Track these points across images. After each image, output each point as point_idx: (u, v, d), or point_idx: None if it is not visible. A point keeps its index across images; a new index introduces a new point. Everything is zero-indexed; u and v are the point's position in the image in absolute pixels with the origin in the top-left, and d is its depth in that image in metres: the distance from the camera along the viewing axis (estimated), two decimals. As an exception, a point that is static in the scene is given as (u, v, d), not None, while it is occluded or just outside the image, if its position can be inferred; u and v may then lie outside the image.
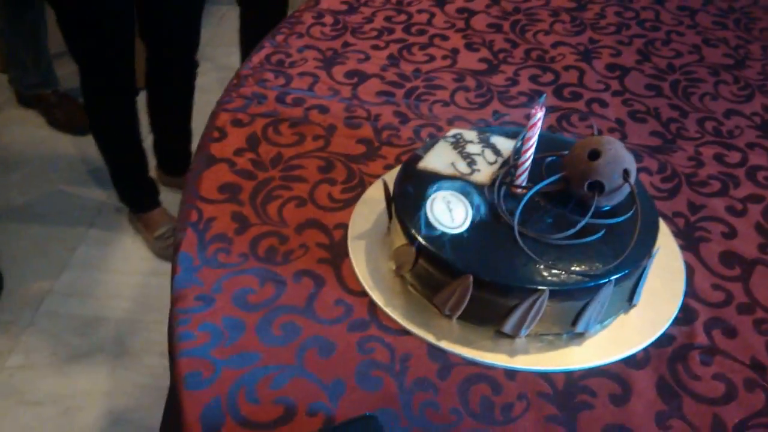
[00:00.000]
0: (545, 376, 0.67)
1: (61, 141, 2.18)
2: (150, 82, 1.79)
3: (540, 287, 0.66)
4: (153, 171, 1.92)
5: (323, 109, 0.99)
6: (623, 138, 0.97)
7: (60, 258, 1.82)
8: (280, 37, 1.15)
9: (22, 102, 2.26)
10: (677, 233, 0.83)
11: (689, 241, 0.82)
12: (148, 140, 1.89)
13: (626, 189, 0.71)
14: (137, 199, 1.88)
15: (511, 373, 0.67)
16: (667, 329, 0.72)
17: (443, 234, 0.70)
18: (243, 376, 0.66)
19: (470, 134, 0.82)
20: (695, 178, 0.91)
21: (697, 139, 0.98)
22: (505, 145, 0.80)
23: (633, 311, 0.73)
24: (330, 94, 1.02)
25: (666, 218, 0.85)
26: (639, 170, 0.92)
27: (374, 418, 0.60)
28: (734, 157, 0.95)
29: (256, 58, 1.09)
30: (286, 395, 0.64)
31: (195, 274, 0.75)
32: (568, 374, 0.67)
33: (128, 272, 1.78)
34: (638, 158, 0.93)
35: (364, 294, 0.74)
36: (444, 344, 0.69)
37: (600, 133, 0.97)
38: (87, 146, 2.01)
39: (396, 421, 0.63)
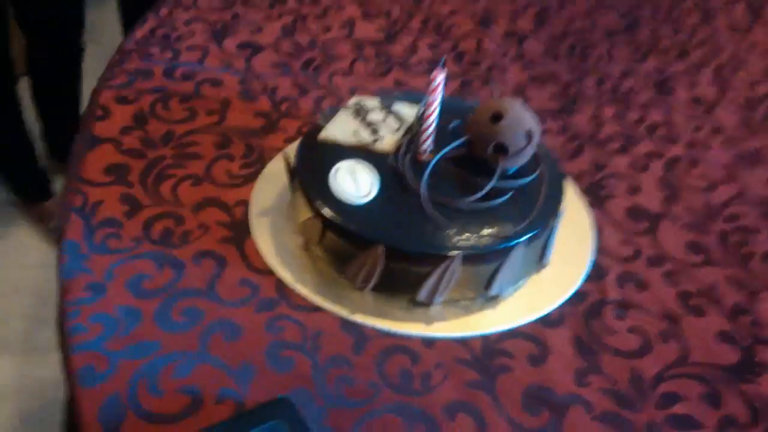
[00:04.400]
0: (463, 342, 0.65)
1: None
2: (32, 68, 1.67)
3: (451, 253, 0.64)
4: (44, 160, 1.80)
5: (216, 83, 0.94)
6: (525, 102, 0.97)
7: None
8: (164, 11, 1.08)
9: None
10: (583, 192, 0.83)
11: (596, 198, 0.82)
12: (36, 129, 1.77)
13: (531, 150, 0.70)
14: (29, 190, 1.77)
15: (428, 342, 0.65)
16: (580, 286, 0.72)
17: (350, 205, 0.67)
18: (142, 367, 0.61)
19: (372, 102, 0.79)
20: (597, 137, 0.92)
21: (596, 100, 0.98)
22: (408, 111, 0.78)
23: (545, 271, 0.73)
24: (222, 66, 0.97)
25: (572, 178, 0.84)
26: (542, 132, 0.91)
27: (287, 401, 0.56)
28: (633, 115, 0.96)
29: (140, 32, 1.02)
30: (190, 384, 0.60)
31: (83, 263, 0.69)
32: (485, 338, 0.66)
33: (28, 266, 1.67)
34: (540, 120, 0.93)
35: (270, 272, 0.70)
36: (357, 317, 0.66)
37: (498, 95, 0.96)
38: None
39: (311, 401, 0.59)
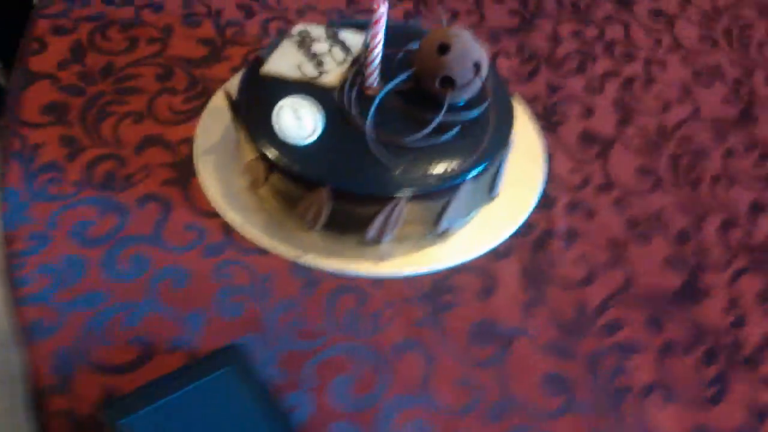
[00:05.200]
0: (411, 280, 0.66)
1: None
2: None
3: (398, 193, 0.63)
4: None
5: (157, 8, 0.89)
6: (481, 19, 0.94)
7: None
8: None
9: None
10: (536, 117, 0.82)
11: (548, 123, 0.81)
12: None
13: (479, 82, 0.68)
14: None
15: (378, 281, 0.66)
16: (528, 217, 0.72)
17: (293, 145, 0.65)
18: (91, 319, 0.61)
19: (317, 30, 0.76)
20: (553, 57, 0.89)
21: (554, 17, 0.95)
22: (355, 40, 0.75)
23: (495, 202, 0.73)
24: (163, -12, 0.92)
25: (525, 102, 0.83)
26: (497, 54, 0.89)
27: (238, 347, 0.57)
28: (591, 32, 0.94)
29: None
30: (140, 334, 0.60)
31: (25, 212, 0.68)
32: (434, 275, 0.67)
33: None
34: (496, 40, 0.91)
35: (217, 215, 0.69)
36: (306, 259, 0.66)
37: (451, 21, 0.93)
38: None
39: (262, 346, 0.60)
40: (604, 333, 0.64)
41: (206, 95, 0.79)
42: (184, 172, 0.72)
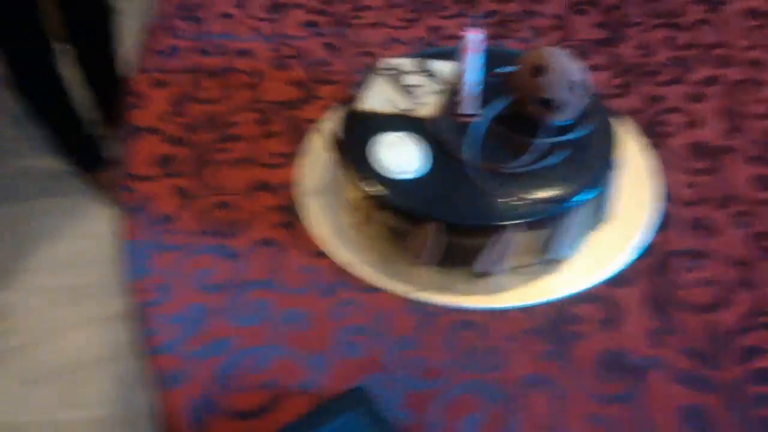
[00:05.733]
0: (529, 310, 0.65)
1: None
2: (70, 34, 1.67)
3: (504, 223, 0.63)
4: (97, 128, 1.82)
5: (248, 54, 0.92)
6: (566, 35, 0.92)
7: (24, 233, 1.73)
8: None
9: None
10: (639, 132, 0.80)
11: (653, 137, 0.79)
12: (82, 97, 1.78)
13: (578, 102, 0.67)
14: (84, 159, 1.80)
15: (494, 314, 0.65)
16: (645, 239, 0.70)
17: (395, 180, 0.66)
18: (219, 366, 0.62)
19: (407, 63, 0.76)
20: (647, 67, 0.87)
21: (642, 24, 0.93)
22: (446, 69, 0.75)
23: (607, 225, 0.71)
24: (251, 34, 0.94)
25: (624, 117, 0.81)
26: (588, 69, 0.87)
27: (363, 390, 0.57)
28: (684, 37, 0.91)
29: (165, 4, 1.00)
30: (268, 378, 0.61)
31: (146, 264, 0.70)
32: (554, 305, 0.65)
33: (102, 235, 1.68)
34: (584, 54, 0.89)
35: (327, 255, 0.70)
36: (420, 295, 0.66)
37: (535, 39, 0.92)
38: (20, 121, 1.89)
39: (385, 386, 0.60)
40: (741, 359, 0.61)
41: (303, 136, 0.81)
42: (291, 215, 0.73)
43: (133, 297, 0.67)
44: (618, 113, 0.81)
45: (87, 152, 1.80)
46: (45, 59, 1.58)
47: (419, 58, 0.77)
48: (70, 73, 1.71)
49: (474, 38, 0.68)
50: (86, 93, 1.80)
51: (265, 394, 0.60)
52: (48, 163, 1.89)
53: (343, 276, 0.68)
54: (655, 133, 0.79)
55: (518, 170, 0.66)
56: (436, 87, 0.74)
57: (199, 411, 0.59)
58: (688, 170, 0.76)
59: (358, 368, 0.61)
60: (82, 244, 1.72)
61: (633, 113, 0.81)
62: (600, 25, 0.94)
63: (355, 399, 0.56)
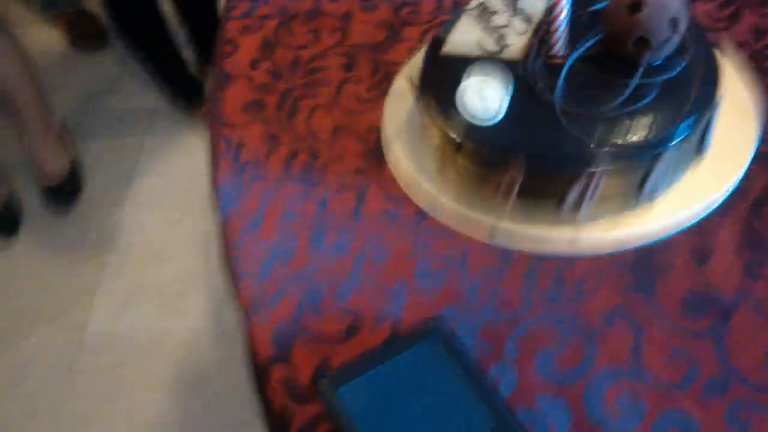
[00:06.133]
0: (616, 242, 0.63)
1: (95, 57, 2.15)
2: None
3: (594, 170, 0.61)
4: (193, 66, 1.89)
5: (335, -4, 0.91)
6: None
7: (128, 167, 1.85)
8: None
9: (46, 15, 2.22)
10: (743, 66, 0.74)
11: (758, 71, 0.73)
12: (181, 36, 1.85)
13: (677, 39, 0.63)
14: (184, 97, 1.87)
15: (577, 251, 0.63)
16: (743, 175, 0.65)
17: (480, 126, 0.64)
18: (304, 293, 0.65)
19: (494, 1, 0.74)
20: (757, -5, 0.80)
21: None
22: (536, 6, 0.72)
23: (705, 162, 0.67)
24: (339, -25, 0.94)
25: (728, 51, 0.75)
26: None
27: (440, 319, 0.58)
28: (801, -39, 0.83)
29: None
30: (349, 306, 0.63)
31: (235, 207, 0.73)
32: (641, 239, 0.63)
33: (200, 171, 1.79)
34: (689, -15, 0.83)
35: (409, 198, 0.70)
36: (501, 234, 0.65)
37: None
38: (122, 57, 1.99)
39: (463, 317, 0.61)
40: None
41: (388, 80, 0.80)
42: (374, 160, 0.74)
43: (222, 238, 0.71)
44: (722, 46, 0.76)
45: (187, 91, 1.87)
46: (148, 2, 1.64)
47: (509, -5, 0.74)
48: (170, 12, 1.77)
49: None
50: (186, 32, 1.85)
51: (345, 322, 0.62)
52: (150, 101, 1.98)
53: (424, 219, 0.68)
54: (761, 67, 0.73)
55: (610, 113, 0.63)
56: (526, 27, 0.71)
57: (280, 336, 0.62)
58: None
59: (436, 300, 0.62)
60: (182, 177, 1.81)
61: (738, 46, 0.76)
62: (707, -49, 0.87)
63: (431, 329, 0.57)
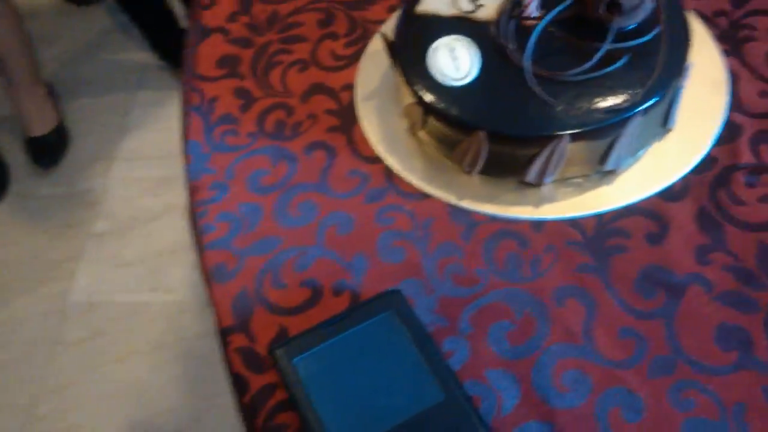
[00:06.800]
0: (574, 222, 0.64)
1: (89, 10, 2.12)
2: None
3: (558, 132, 0.61)
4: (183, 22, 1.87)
5: (316, -49, 0.90)
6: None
7: (116, 124, 1.84)
8: None
9: None
10: (719, 36, 0.74)
11: (733, 43, 0.73)
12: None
13: (650, 4, 0.62)
14: (175, 53, 1.86)
15: (538, 225, 0.64)
16: (708, 152, 0.66)
17: (450, 87, 0.64)
18: (267, 263, 0.65)
19: (473, -39, 0.73)
20: (741, -37, 0.79)
21: None
22: (513, -33, 0.71)
23: (670, 136, 0.67)
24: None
25: (706, 20, 0.75)
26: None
27: (398, 292, 0.59)
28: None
29: None
30: (311, 277, 0.64)
31: (206, 163, 0.73)
32: (600, 217, 0.64)
33: None
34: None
35: (379, 160, 0.70)
36: (466, 203, 0.66)
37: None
38: (116, 11, 1.97)
39: (421, 290, 0.62)
40: (790, 280, 0.58)
41: (366, 38, 0.80)
42: (347, 118, 0.74)
43: (192, 196, 0.71)
44: (699, 14, 0.75)
45: (177, 46, 1.85)
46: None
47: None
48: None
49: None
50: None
51: (306, 291, 0.63)
52: (141, 56, 1.96)
53: (392, 181, 0.69)
54: (736, 37, 0.73)
55: (579, 78, 0.63)
56: (500, -13, 0.70)
57: (245, 305, 0.63)
58: (765, 79, 0.70)
59: (397, 272, 0.63)
60: (169, 136, 1.80)
61: (716, 15, 0.75)
62: None
63: (390, 301, 0.58)
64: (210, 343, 1.43)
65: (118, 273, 1.58)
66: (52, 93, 1.84)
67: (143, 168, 1.75)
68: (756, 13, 0.75)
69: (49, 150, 1.76)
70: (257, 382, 0.58)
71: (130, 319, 1.51)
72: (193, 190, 0.71)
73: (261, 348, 0.60)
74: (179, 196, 1.65)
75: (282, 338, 0.60)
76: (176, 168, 1.70)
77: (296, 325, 0.61)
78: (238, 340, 0.61)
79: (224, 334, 0.61)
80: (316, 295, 0.63)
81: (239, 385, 0.58)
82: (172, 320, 1.50)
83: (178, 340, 1.47)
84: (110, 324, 1.52)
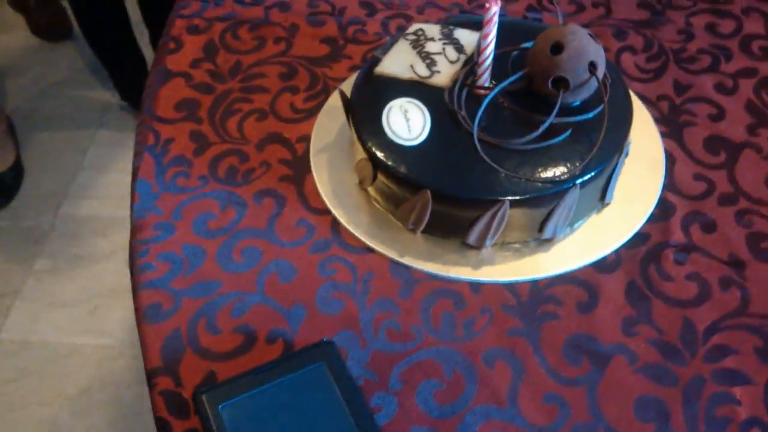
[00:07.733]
0: (510, 287, 0.65)
1: (59, 45, 2.13)
2: None
3: (500, 198, 0.63)
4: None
5: (285, 7, 0.93)
6: (608, 12, 0.90)
7: (73, 161, 1.82)
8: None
9: (11, 5, 2.20)
10: (660, 119, 0.78)
11: (673, 126, 0.77)
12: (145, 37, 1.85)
13: (594, 83, 0.66)
14: (139, 95, 1.86)
15: (476, 286, 0.66)
16: (641, 228, 0.69)
17: (401, 146, 0.66)
18: (203, 306, 0.65)
19: (432, 29, 0.76)
20: (684, 53, 0.84)
21: (688, 8, 0.90)
22: (470, 39, 0.75)
23: (606, 210, 0.70)
24: (291, -13, 0.95)
25: (649, 103, 0.79)
26: (623, 49, 0.85)
27: (331, 344, 0.59)
28: (728, 26, 0.87)
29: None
30: (246, 323, 0.64)
31: (154, 202, 0.73)
32: (534, 284, 0.65)
33: None
34: (623, 35, 0.87)
35: (327, 212, 0.71)
36: (407, 260, 0.67)
37: (575, 16, 0.90)
38: (86, 48, 1.97)
39: (355, 344, 0.62)
40: (709, 359, 0.60)
41: (326, 93, 0.82)
42: (300, 169, 0.75)
43: (134, 234, 0.71)
44: (643, 97, 0.79)
45: (141, 89, 1.86)
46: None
47: (447, 26, 0.77)
48: (132, 11, 1.76)
49: (495, 10, 0.68)
50: (150, 34, 1.85)
51: (239, 337, 0.63)
52: (105, 95, 1.97)
53: (338, 234, 0.70)
54: (676, 121, 0.77)
55: (523, 147, 0.65)
56: (458, 56, 0.73)
57: (173, 346, 0.62)
58: (700, 162, 0.73)
59: (334, 323, 0.63)
60: (124, 177, 1.80)
61: (659, 99, 0.79)
62: (644, 5, 0.90)
63: (322, 352, 0.58)
64: (141, 391, 1.40)
65: (54, 313, 1.54)
66: (12, 129, 1.82)
67: (95, 207, 1.73)
68: (697, 100, 0.79)
69: (3, 189, 1.74)
70: (180, 427, 0.57)
71: (62, 361, 1.47)
72: (136, 229, 0.71)
73: (187, 392, 0.59)
74: (122, 240, 1.64)
75: (209, 383, 0.60)
76: (128, 210, 1.70)
77: (225, 371, 0.60)
78: (164, 383, 0.60)
79: (150, 375, 0.61)
80: (249, 342, 0.63)
81: (162, 429, 0.57)
82: (103, 365, 1.46)
83: (107, 386, 1.43)
84: (40, 365, 1.47)
